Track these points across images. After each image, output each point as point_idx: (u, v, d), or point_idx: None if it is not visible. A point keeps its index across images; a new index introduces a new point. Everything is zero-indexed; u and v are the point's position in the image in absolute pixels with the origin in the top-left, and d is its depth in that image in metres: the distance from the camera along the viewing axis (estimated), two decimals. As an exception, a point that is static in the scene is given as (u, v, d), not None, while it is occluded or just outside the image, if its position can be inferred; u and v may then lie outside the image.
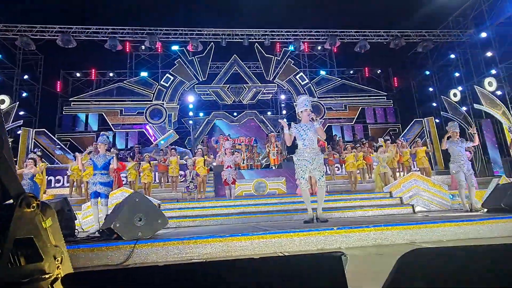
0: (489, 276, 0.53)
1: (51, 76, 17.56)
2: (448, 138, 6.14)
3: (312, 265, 0.79)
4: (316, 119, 4.55)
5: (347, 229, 3.29)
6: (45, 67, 17.13)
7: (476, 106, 14.21)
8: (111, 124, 16.81)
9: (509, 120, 13.28)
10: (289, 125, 4.82)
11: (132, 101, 17.25)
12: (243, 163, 12.17)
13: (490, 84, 14.20)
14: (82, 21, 15.41)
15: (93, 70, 18.17)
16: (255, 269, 0.79)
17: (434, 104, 18.48)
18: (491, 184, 7.92)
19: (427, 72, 19.02)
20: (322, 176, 4.53)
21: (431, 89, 18.91)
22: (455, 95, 16.22)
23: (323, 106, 18.06)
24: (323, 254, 0.78)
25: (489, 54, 15.49)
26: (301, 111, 4.72)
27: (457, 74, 17.59)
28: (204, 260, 2.88)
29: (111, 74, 18.15)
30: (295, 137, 4.79)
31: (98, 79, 18.35)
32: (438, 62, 18.39)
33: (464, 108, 15.82)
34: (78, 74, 18.32)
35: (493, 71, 15.13)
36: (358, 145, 11.93)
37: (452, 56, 17.62)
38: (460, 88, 16.64)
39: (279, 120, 4.79)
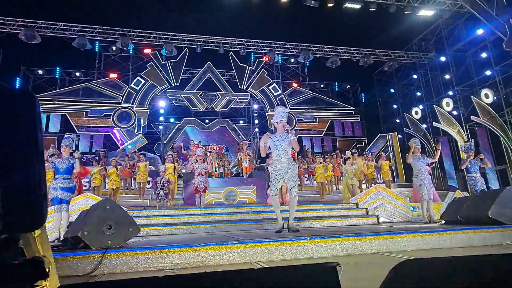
0: (480, 286, 0.58)
1: (10, 72, 16.49)
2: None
3: (307, 276, 0.81)
4: (290, 131, 4.66)
5: (319, 239, 3.36)
6: (4, 62, 16.06)
7: (435, 124, 15.20)
8: (75, 126, 16.03)
9: (463, 139, 14.31)
10: (262, 134, 4.88)
11: (99, 103, 16.60)
12: (216, 171, 12.07)
13: (447, 104, 15.26)
14: (49, 16, 14.70)
15: (57, 68, 17.29)
16: (249, 281, 0.80)
17: (398, 120, 19.50)
18: (447, 197, 8.45)
19: (392, 90, 20.10)
20: (295, 185, 4.62)
21: (395, 106, 19.95)
22: (416, 113, 17.24)
23: (294, 117, 18.42)
24: (318, 265, 0.81)
25: (447, 76, 16.70)
26: (277, 122, 4.78)
27: (418, 94, 18.74)
28: (178, 271, 2.81)
29: (77, 74, 17.35)
30: (269, 147, 4.84)
31: (62, 78, 17.46)
32: (402, 81, 19.51)
33: (424, 126, 16.84)
34: (40, 72, 17.34)
35: (450, 93, 16.32)
36: (327, 157, 12.25)
37: (415, 76, 18.79)
38: (421, 106, 17.72)
39: (258, 133, 4.83)
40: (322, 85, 20.65)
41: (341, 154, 14.09)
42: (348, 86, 20.94)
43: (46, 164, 7.08)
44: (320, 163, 11.17)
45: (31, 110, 0.80)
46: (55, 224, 5.18)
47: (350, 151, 13.28)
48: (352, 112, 19.71)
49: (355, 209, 7.45)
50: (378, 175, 11.96)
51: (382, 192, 7.70)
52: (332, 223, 6.36)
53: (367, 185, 11.97)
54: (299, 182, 12.16)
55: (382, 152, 12.97)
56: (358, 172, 10.73)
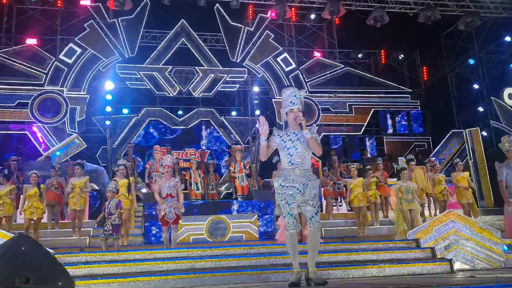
0: None
1: None
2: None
3: None
4: (306, 125, 4.59)
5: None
6: None
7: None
8: (-29, 121, 16.06)
9: None
10: (270, 132, 4.86)
11: (9, 84, 16.60)
12: (197, 189, 12.06)
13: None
14: None
15: None
16: None
17: (481, 109, 19.38)
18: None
19: (472, 61, 19.98)
20: (316, 213, 4.58)
21: (476, 86, 19.85)
22: (510, 96, 17.13)
23: (316, 105, 18.40)
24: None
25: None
26: (286, 112, 4.78)
27: (513, 67, 18.64)
28: None
29: (-27, 40, 17.40)
30: (276, 149, 4.81)
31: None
32: (488, 47, 19.39)
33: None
34: None
35: None
36: (369, 167, 12.23)
37: (508, 39, 18.64)
38: (517, 87, 17.61)
39: (258, 119, 4.76)
40: (360, 55, 20.63)
41: (390, 163, 14.04)
42: (402, 56, 20.92)
43: None
44: (358, 177, 11.12)
45: None
46: None
47: (405, 157, 13.24)
48: (408, 97, 19.68)
49: (414, 249, 7.39)
50: (451, 195, 11.89)
51: (458, 222, 7.65)
52: (379, 271, 6.32)
53: (435, 211, 11.87)
54: (323, 207, 12.18)
55: (456, 159, 12.90)
56: (419, 191, 10.68)
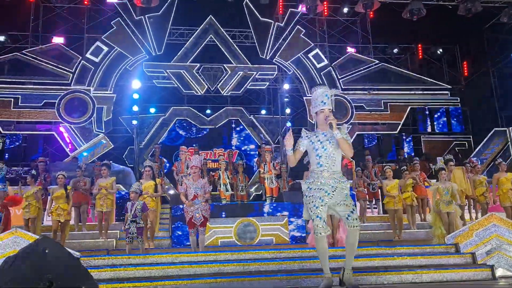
0: None
1: None
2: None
3: None
4: (335, 125, 4.52)
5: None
6: None
7: None
8: (-3, 121, 16.57)
9: None
10: (296, 139, 4.81)
11: (36, 84, 17.06)
12: (227, 190, 12.10)
13: None
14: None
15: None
16: None
17: (526, 106, 18.93)
18: None
19: (516, 56, 19.49)
20: (352, 211, 4.54)
21: (521, 81, 19.38)
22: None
23: (349, 103, 18.27)
24: None
25: None
26: (317, 112, 4.74)
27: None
28: None
29: (1, 39, 17.91)
30: (305, 152, 4.79)
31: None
32: (533, 40, 18.89)
33: None
34: None
35: None
36: (406, 168, 12.06)
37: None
38: None
39: (289, 131, 4.73)
40: (395, 50, 20.36)
41: (428, 164, 13.81)
42: (440, 50, 20.54)
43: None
44: (394, 178, 10.96)
45: None
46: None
47: (444, 157, 12.99)
48: (447, 93, 19.32)
49: (453, 254, 7.25)
50: (494, 197, 11.61)
51: (500, 226, 7.45)
52: (415, 277, 6.22)
53: (475, 214, 11.60)
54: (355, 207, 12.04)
55: (499, 159, 12.59)
56: (459, 193, 10.46)
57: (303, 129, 4.96)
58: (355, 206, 4.63)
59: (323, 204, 4.51)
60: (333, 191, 4.51)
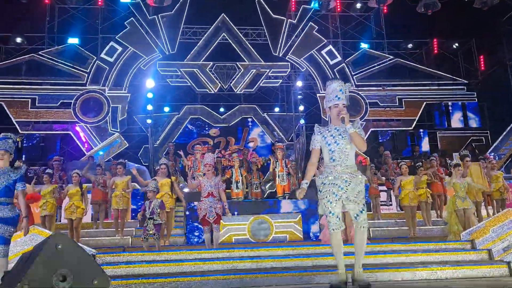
0: None
1: None
2: None
3: None
4: (348, 119, 4.49)
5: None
6: None
7: None
8: (16, 121, 16.79)
9: None
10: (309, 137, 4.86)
11: (52, 84, 17.31)
12: (237, 187, 12.11)
13: None
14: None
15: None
16: None
17: (544, 100, 18.66)
18: None
19: (533, 49, 19.21)
20: (362, 211, 4.52)
21: (539, 75, 19.10)
22: None
23: (363, 99, 18.18)
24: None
25: None
26: (330, 107, 4.73)
27: None
28: None
29: (18, 40, 18.13)
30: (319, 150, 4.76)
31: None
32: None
33: None
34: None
35: None
36: (421, 164, 11.98)
37: None
38: None
39: (298, 191, 4.77)
40: (410, 45, 20.19)
41: (444, 160, 13.69)
42: (456, 44, 20.31)
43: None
44: (409, 174, 10.89)
45: None
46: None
47: (460, 153, 12.86)
48: (463, 88, 19.12)
49: (469, 251, 7.18)
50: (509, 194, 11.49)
51: (517, 222, 7.38)
52: (430, 274, 6.17)
53: (493, 210, 11.49)
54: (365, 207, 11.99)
55: (516, 155, 12.46)
56: (475, 190, 10.36)
57: (316, 124, 4.96)
58: (365, 206, 4.60)
59: (337, 199, 4.50)
60: (347, 186, 4.48)
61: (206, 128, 18.77)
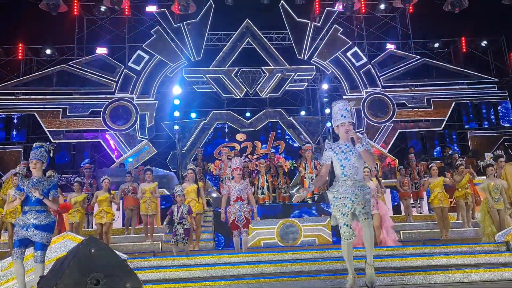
0: None
1: None
2: None
3: None
4: (358, 138, 4.80)
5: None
6: None
7: None
8: (48, 130, 17.24)
9: None
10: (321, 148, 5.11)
11: (82, 94, 17.70)
12: (262, 193, 12.12)
13: None
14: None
15: (20, 45, 18.55)
16: None
17: None
18: None
19: None
20: (364, 207, 4.86)
21: None
22: None
23: (390, 100, 18.00)
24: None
25: None
26: (337, 125, 5.05)
27: None
28: None
29: (48, 52, 18.54)
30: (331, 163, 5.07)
31: (27, 59, 18.73)
32: None
33: None
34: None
35: None
36: (459, 163, 11.75)
37: None
38: None
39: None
40: (437, 45, 19.89)
41: (475, 160, 13.41)
42: (485, 42, 19.92)
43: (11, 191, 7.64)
44: (438, 176, 10.71)
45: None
46: (18, 282, 5.33)
47: (493, 153, 12.59)
48: (494, 87, 18.76)
49: (504, 253, 7.04)
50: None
51: (553, 223, 7.20)
52: (464, 276, 6.07)
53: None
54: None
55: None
56: (510, 191, 10.12)
57: (326, 140, 5.42)
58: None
59: (347, 211, 4.84)
60: (355, 197, 4.83)
61: (233, 133, 18.82)
